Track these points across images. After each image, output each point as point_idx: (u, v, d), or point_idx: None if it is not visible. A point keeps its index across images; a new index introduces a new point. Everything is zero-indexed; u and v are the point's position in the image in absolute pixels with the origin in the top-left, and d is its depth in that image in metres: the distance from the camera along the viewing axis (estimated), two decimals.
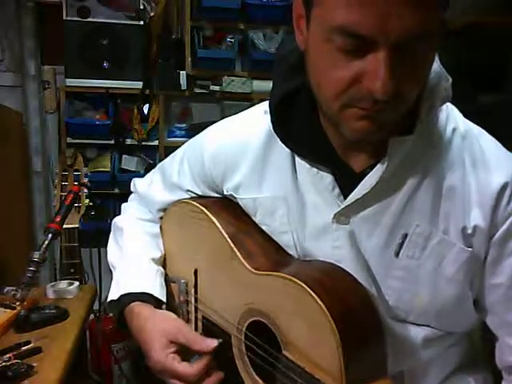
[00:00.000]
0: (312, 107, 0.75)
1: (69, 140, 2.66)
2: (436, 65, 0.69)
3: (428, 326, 0.76)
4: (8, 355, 0.95)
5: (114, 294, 0.92)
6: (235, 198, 0.87)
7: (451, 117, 0.75)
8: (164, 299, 0.92)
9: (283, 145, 0.77)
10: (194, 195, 0.95)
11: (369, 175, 0.71)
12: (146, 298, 0.89)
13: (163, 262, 0.99)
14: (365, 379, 0.65)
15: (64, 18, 2.55)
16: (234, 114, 0.92)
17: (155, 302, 0.90)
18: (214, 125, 0.93)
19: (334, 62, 0.61)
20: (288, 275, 0.71)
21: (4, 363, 0.92)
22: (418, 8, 0.56)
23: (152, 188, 1.02)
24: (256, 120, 0.84)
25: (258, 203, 0.83)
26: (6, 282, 1.36)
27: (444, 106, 0.74)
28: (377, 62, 0.58)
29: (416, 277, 0.73)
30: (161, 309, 0.90)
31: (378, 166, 0.70)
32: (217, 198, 0.92)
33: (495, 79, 1.98)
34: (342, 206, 0.74)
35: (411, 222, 0.72)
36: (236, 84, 2.74)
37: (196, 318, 0.92)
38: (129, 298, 0.90)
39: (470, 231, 0.71)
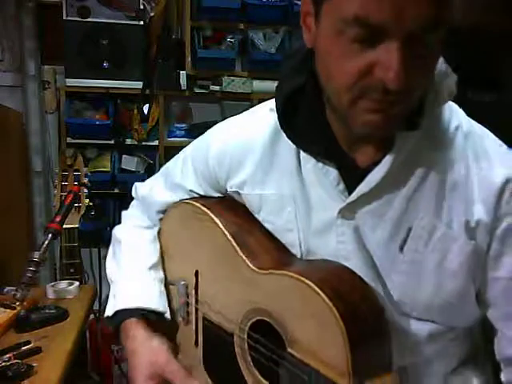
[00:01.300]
0: (318, 103, 0.75)
1: (69, 140, 2.66)
2: (441, 62, 0.70)
3: (431, 321, 0.77)
4: (8, 355, 0.95)
5: (109, 310, 0.92)
6: (240, 194, 0.86)
7: (454, 115, 0.76)
8: (163, 308, 0.92)
9: (289, 141, 0.78)
10: (195, 195, 0.94)
11: (375, 170, 0.72)
12: (143, 312, 0.89)
13: (163, 264, 0.99)
14: (371, 374, 0.65)
15: (64, 17, 2.55)
16: (234, 113, 0.91)
17: (153, 315, 0.90)
18: (218, 124, 0.93)
19: (345, 53, 0.61)
20: (292, 273, 0.71)
21: (4, 363, 0.92)
22: None
23: (153, 190, 1.01)
24: (261, 118, 0.84)
25: (264, 200, 0.83)
26: (6, 282, 1.36)
27: (447, 105, 0.75)
28: (390, 52, 0.59)
29: (420, 270, 0.73)
30: (163, 318, 0.91)
31: (384, 160, 0.71)
32: (219, 198, 0.91)
33: (494, 79, 1.98)
34: (348, 201, 0.74)
35: (415, 217, 0.72)
36: (236, 84, 2.74)
37: (196, 318, 0.92)
38: (124, 314, 0.90)
39: (473, 225, 0.71)
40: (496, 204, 0.71)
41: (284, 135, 0.78)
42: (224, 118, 0.94)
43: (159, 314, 0.91)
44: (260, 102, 0.90)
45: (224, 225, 0.85)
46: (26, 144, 2.68)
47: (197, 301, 0.92)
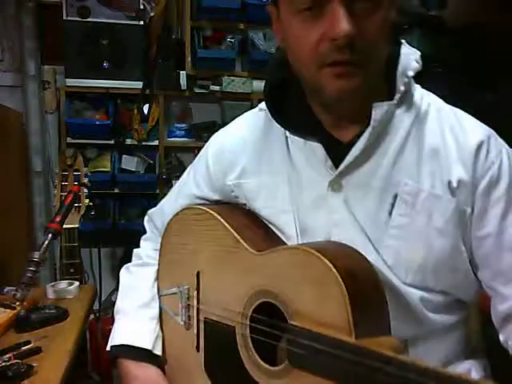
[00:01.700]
0: (300, 93, 0.83)
1: (69, 140, 2.67)
2: (405, 47, 0.80)
3: (429, 289, 0.79)
4: (8, 355, 0.95)
5: (108, 345, 1.01)
6: (239, 185, 0.91)
7: (425, 95, 0.83)
8: (148, 344, 0.96)
9: (278, 129, 0.84)
10: (198, 201, 0.99)
11: (358, 141, 0.77)
12: (131, 349, 0.96)
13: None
14: (372, 332, 0.67)
15: (64, 17, 2.55)
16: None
17: (144, 352, 0.95)
18: (215, 134, 1.01)
19: (302, 29, 0.71)
20: (290, 246, 0.78)
21: (4, 363, 0.92)
22: None
23: (163, 204, 1.07)
24: (253, 117, 0.94)
25: (261, 186, 0.88)
26: (6, 281, 1.36)
27: (418, 88, 0.82)
28: (334, 12, 0.67)
29: (410, 233, 0.77)
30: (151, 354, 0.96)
31: (366, 132, 0.76)
32: (218, 201, 0.97)
33: (495, 78, 1.98)
34: (336, 173, 0.79)
35: (400, 182, 0.77)
36: (236, 84, 2.74)
37: (198, 320, 0.93)
38: (117, 350, 0.98)
39: (455, 184, 0.76)
40: (473, 165, 0.76)
41: (274, 126, 0.85)
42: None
43: (147, 350, 0.96)
44: (260, 101, 0.94)
45: (224, 219, 0.88)
46: (26, 144, 2.68)
47: (198, 301, 0.93)
